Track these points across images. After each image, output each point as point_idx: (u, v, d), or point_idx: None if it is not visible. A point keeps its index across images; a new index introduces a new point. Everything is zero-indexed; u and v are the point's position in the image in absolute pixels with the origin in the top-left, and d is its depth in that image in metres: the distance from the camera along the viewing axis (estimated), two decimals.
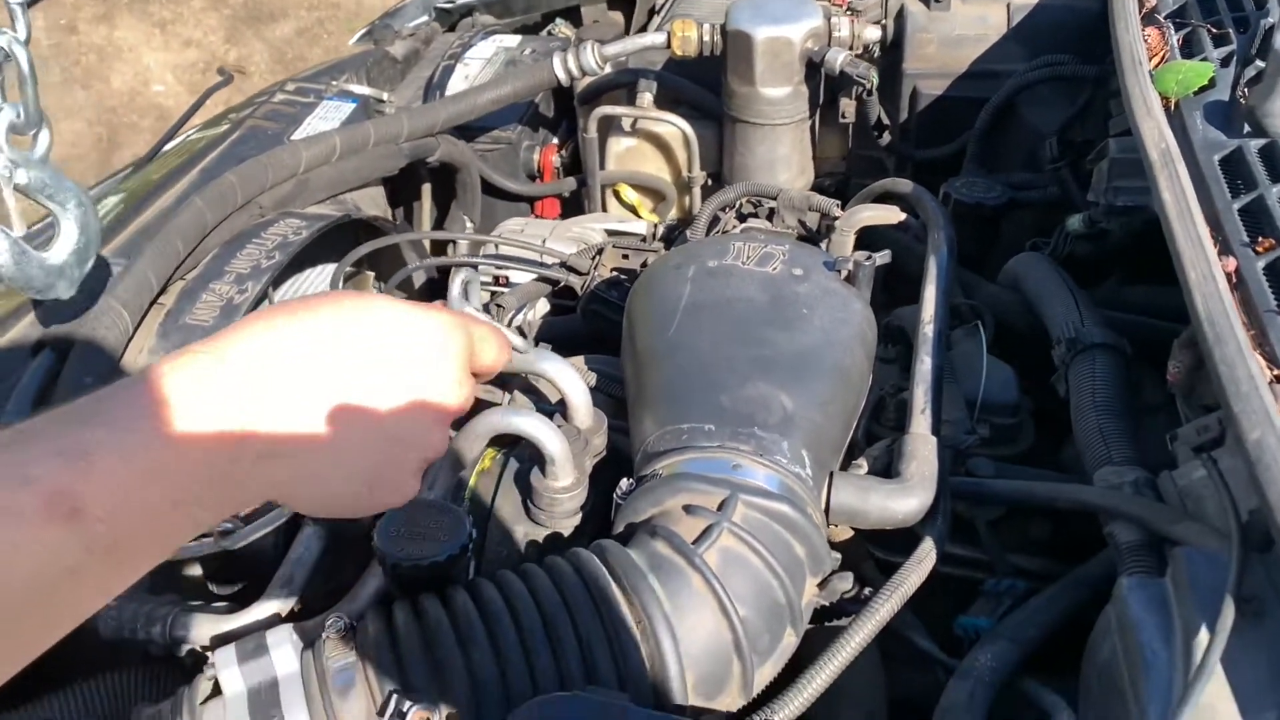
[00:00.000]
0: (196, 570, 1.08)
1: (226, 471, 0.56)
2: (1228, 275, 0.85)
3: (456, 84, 1.97)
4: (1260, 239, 0.87)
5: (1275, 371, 0.75)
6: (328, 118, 1.72)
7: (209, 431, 0.55)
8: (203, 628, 0.89)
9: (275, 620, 0.90)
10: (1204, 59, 1.13)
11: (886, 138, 1.71)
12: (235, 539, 0.76)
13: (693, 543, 0.83)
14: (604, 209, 1.91)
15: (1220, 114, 1.05)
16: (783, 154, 1.67)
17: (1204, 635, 0.65)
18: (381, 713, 0.75)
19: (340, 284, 1.41)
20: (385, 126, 1.60)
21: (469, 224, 1.88)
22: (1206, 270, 0.84)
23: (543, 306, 1.49)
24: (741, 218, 1.53)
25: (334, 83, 1.84)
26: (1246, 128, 1.02)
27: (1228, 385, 0.74)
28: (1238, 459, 0.73)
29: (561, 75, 1.69)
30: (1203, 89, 1.08)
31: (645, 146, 1.86)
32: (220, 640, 0.88)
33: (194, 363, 0.56)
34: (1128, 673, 0.70)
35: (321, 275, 1.49)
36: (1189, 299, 0.83)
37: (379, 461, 0.64)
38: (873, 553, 1.03)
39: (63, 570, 0.49)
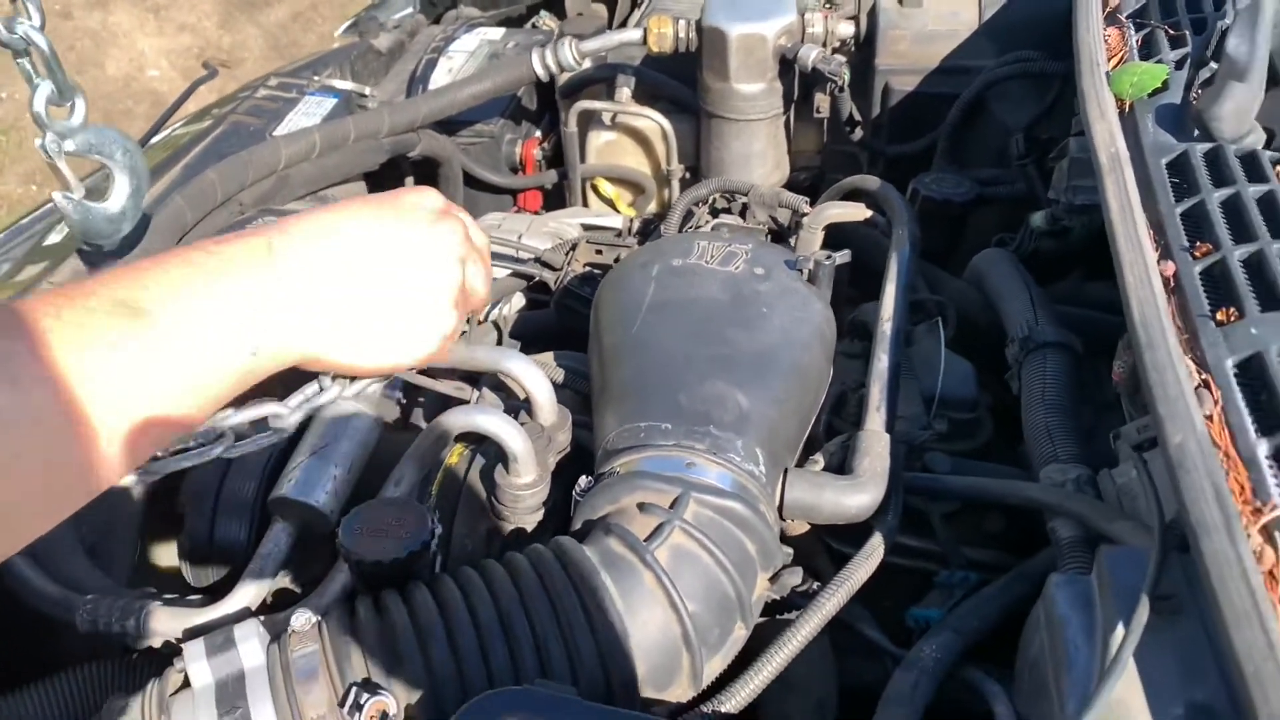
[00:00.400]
0: (173, 562, 1.12)
1: (267, 311, 0.67)
2: (1165, 280, 0.88)
3: (440, 77, 1.99)
4: (1198, 244, 0.89)
5: (1203, 376, 0.78)
6: (310, 113, 1.74)
7: (254, 272, 0.67)
8: (175, 621, 0.93)
9: (245, 614, 0.93)
10: (1159, 61, 1.15)
11: (859, 133, 1.73)
12: (233, 448, 0.84)
13: (645, 540, 0.86)
14: (585, 202, 1.93)
15: (1172, 117, 1.07)
16: (758, 149, 1.69)
17: (1120, 632, 0.68)
18: (342, 704, 0.79)
19: None
20: (366, 122, 1.62)
21: None
22: (1144, 275, 0.87)
23: (518, 301, 1.51)
24: (715, 213, 1.55)
25: (317, 78, 1.86)
26: (1196, 131, 1.04)
27: (1156, 389, 0.77)
28: (1159, 461, 0.76)
29: (540, 71, 1.71)
30: (1156, 91, 1.10)
31: (624, 140, 1.88)
32: (192, 633, 0.91)
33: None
34: (1052, 668, 0.73)
35: None
36: (1125, 303, 0.85)
37: (414, 302, 0.76)
38: (829, 545, 1.06)
39: (106, 345, 0.57)
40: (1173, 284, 0.87)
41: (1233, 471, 0.70)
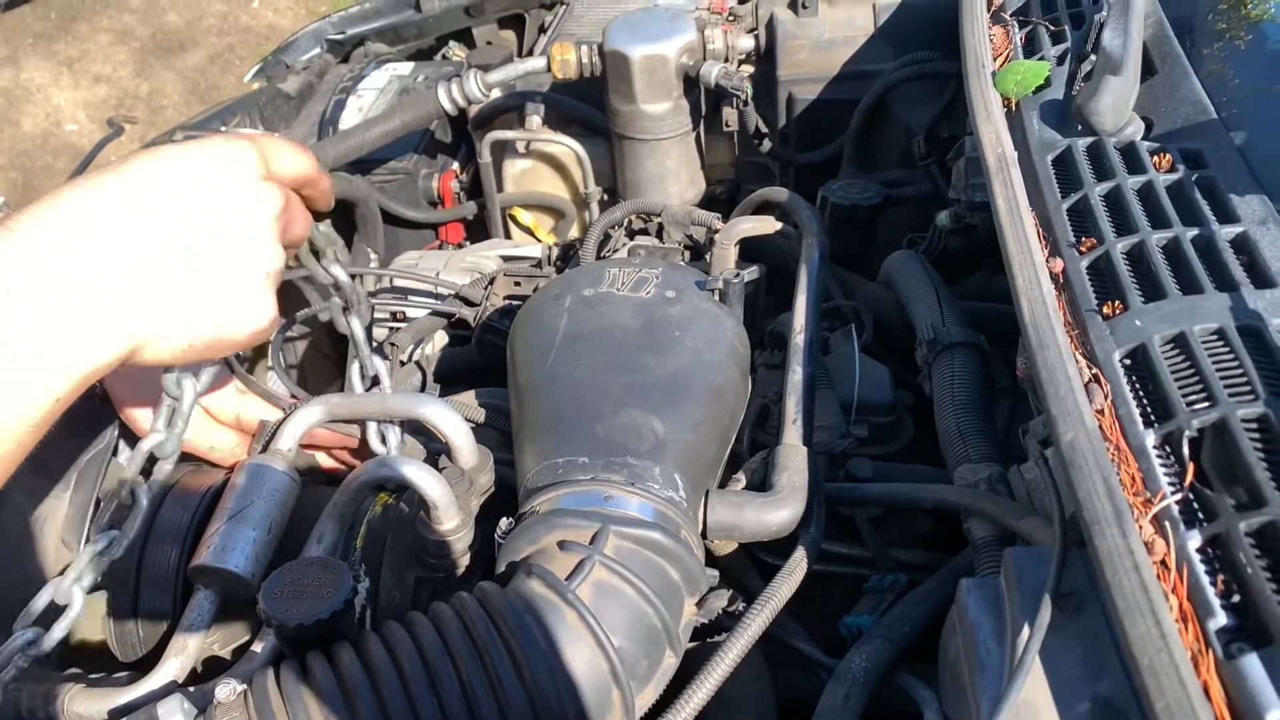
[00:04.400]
0: (99, 636, 1.10)
1: (62, 349, 0.60)
2: (1054, 276, 0.90)
3: (350, 117, 1.98)
4: (1084, 239, 0.91)
5: (1093, 371, 0.80)
6: None
7: (30, 317, 0.59)
8: (100, 702, 0.91)
9: (171, 688, 0.91)
10: (1042, 57, 1.17)
11: (768, 144, 1.75)
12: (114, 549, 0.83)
13: (566, 578, 0.85)
14: (506, 232, 1.93)
15: (1056, 113, 1.10)
16: (671, 167, 1.71)
17: (1026, 634, 0.69)
18: None
19: None
20: None
21: (373, 256, 1.89)
22: (1032, 275, 0.89)
23: (441, 339, 1.51)
24: (631, 234, 1.56)
25: (224, 127, 1.85)
26: (1080, 125, 1.07)
27: (1048, 388, 0.79)
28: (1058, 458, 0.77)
29: (448, 105, 1.71)
30: (1040, 88, 1.13)
31: (540, 167, 1.89)
32: (117, 714, 0.89)
33: None
34: (968, 670, 0.74)
35: None
36: (1016, 303, 0.87)
37: (219, 291, 0.68)
38: (760, 559, 1.07)
39: None
40: (1062, 280, 0.89)
41: (1123, 465, 0.72)
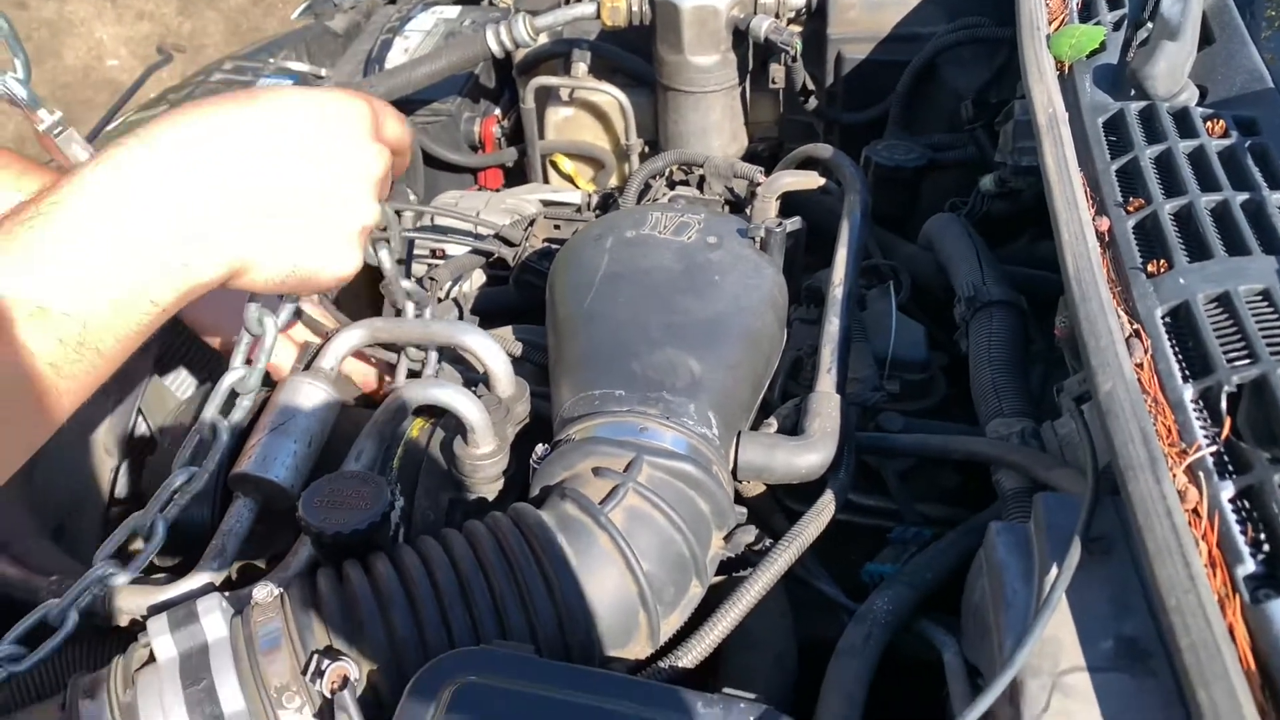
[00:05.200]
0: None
1: (175, 254, 0.64)
2: (1100, 235, 0.90)
3: (395, 57, 1.99)
4: (1131, 199, 0.91)
5: (1134, 326, 0.80)
6: None
7: (149, 219, 0.63)
8: (140, 598, 0.93)
9: (209, 589, 0.94)
10: (1098, 22, 1.17)
11: (813, 102, 1.74)
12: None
13: (600, 503, 0.87)
14: (545, 179, 1.94)
15: (1109, 77, 1.09)
16: (714, 121, 1.71)
17: (1054, 573, 0.70)
18: (304, 672, 0.80)
19: None
20: None
21: (411, 196, 1.90)
22: (1078, 231, 0.89)
23: (479, 278, 1.52)
24: (672, 185, 1.56)
25: (272, 60, 1.86)
26: (1132, 90, 1.06)
27: (1088, 340, 0.79)
28: (1094, 410, 0.78)
29: (495, 48, 1.71)
30: (1094, 52, 1.13)
31: (583, 115, 1.89)
32: (156, 610, 0.92)
33: (128, 155, 0.64)
34: (993, 610, 0.75)
35: None
36: (1060, 258, 0.88)
37: (321, 231, 0.73)
38: (784, 504, 1.08)
39: (44, 365, 0.59)
40: (1107, 238, 0.90)
41: (1160, 416, 0.73)
